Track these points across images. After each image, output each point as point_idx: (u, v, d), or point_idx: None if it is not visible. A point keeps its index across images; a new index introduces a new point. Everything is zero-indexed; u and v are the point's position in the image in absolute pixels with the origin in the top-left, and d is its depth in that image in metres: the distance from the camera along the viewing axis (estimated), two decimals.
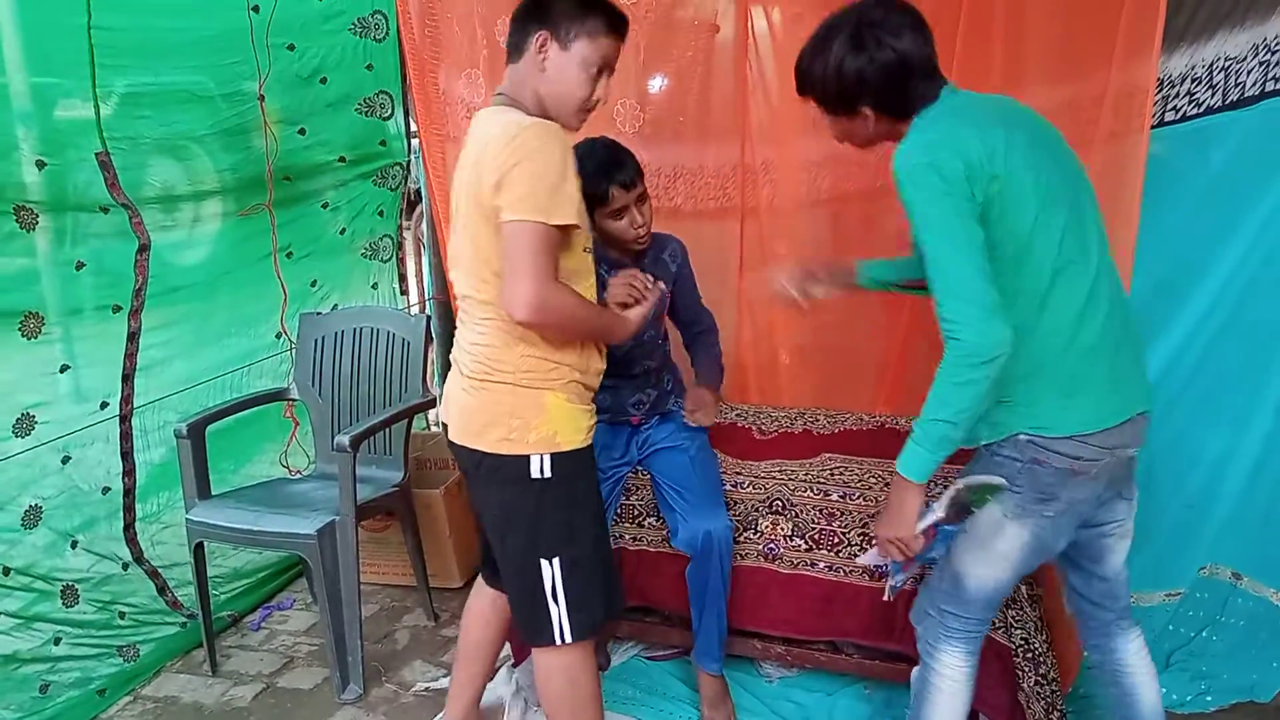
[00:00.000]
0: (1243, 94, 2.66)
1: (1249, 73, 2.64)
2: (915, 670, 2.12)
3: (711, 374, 2.91)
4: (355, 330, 3.39)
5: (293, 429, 3.80)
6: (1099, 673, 2.22)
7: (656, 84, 3.43)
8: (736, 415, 3.30)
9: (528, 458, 2.02)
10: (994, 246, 1.74)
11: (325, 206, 3.89)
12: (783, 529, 2.67)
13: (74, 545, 2.94)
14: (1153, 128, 2.57)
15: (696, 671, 2.72)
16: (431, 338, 3.39)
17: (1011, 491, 1.85)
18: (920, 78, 1.85)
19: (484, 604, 2.44)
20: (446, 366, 2.29)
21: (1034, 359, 1.79)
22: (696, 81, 3.37)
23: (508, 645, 2.85)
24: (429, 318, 3.47)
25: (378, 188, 4.06)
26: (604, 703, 2.74)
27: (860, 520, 2.61)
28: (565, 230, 1.94)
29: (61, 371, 2.89)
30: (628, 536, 2.76)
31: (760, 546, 2.67)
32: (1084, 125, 2.64)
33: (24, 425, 2.75)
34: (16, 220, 2.70)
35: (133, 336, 3.09)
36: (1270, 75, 2.62)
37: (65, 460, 2.91)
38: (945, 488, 1.92)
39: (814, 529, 2.64)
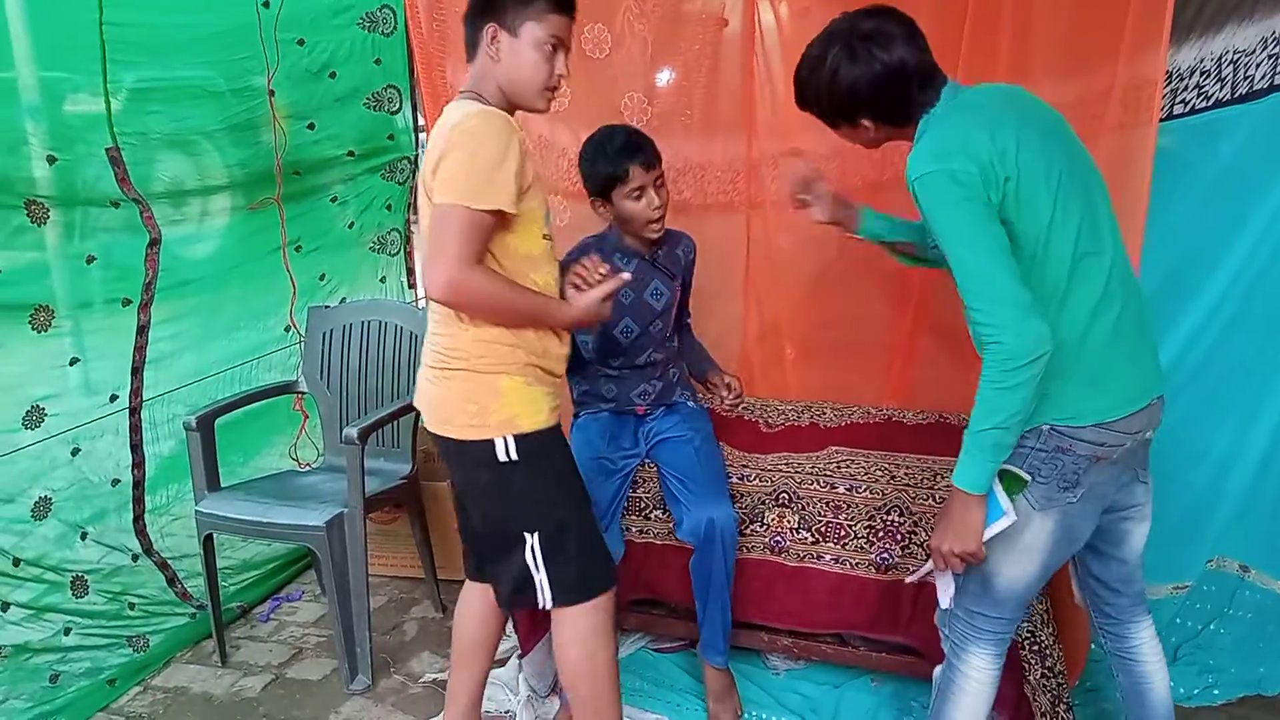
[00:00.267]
0: (1251, 87, 2.65)
1: (1258, 66, 2.63)
2: (938, 669, 2.11)
3: (706, 358, 2.99)
4: (364, 323, 3.40)
5: (301, 422, 3.81)
6: (1110, 661, 2.22)
7: (664, 78, 3.42)
8: (743, 408, 3.30)
9: (492, 441, 2.06)
10: (1013, 245, 1.74)
11: (334, 200, 3.90)
12: (789, 522, 2.67)
13: (84, 537, 2.96)
14: (1161, 121, 2.57)
15: (702, 665, 2.72)
16: None
17: (1036, 482, 1.85)
18: (917, 87, 1.86)
19: (475, 601, 2.43)
20: None
21: (1056, 351, 1.78)
22: (704, 75, 3.36)
23: (513, 640, 2.87)
24: None
25: (386, 182, 4.07)
26: None
27: (867, 513, 2.61)
28: (503, 217, 1.96)
29: (71, 364, 2.91)
30: (634, 529, 2.76)
31: (767, 539, 2.67)
32: (1092, 118, 2.63)
33: (34, 417, 2.77)
34: (27, 214, 2.71)
35: (142, 330, 3.11)
36: (1279, 69, 2.61)
37: (75, 452, 2.93)
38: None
39: (820, 522, 2.64)
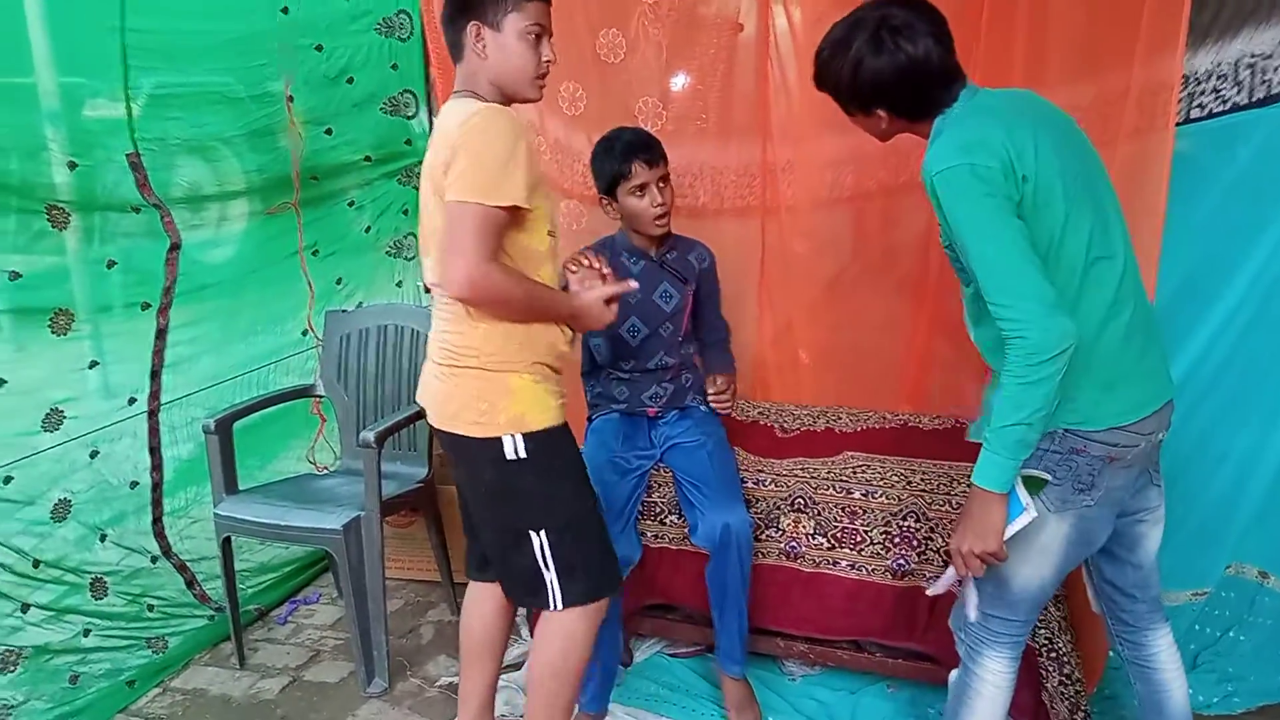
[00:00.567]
0: (1269, 91, 2.64)
1: (1275, 69, 2.62)
2: (954, 673, 2.11)
3: (724, 366, 2.96)
4: (380, 327, 3.42)
5: (319, 425, 3.83)
6: (1128, 670, 2.21)
7: (678, 82, 3.43)
8: (759, 413, 3.30)
9: (500, 440, 2.07)
10: None
11: (351, 205, 3.92)
12: (805, 527, 2.67)
13: (103, 539, 2.98)
14: (1178, 125, 2.56)
15: (720, 675, 2.72)
16: None
17: (1052, 484, 1.85)
18: (938, 85, 1.86)
19: (480, 602, 2.43)
20: None
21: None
22: (718, 80, 3.36)
23: (528, 643, 2.87)
24: None
25: (402, 186, 4.08)
26: (627, 698, 2.79)
27: (883, 518, 2.61)
28: (515, 212, 1.97)
29: (90, 368, 2.93)
30: (649, 534, 2.77)
31: (782, 545, 2.67)
32: (1108, 122, 2.63)
33: (53, 420, 2.79)
34: (48, 219, 2.73)
35: (161, 333, 3.13)
36: None
37: (94, 455, 2.95)
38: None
39: (836, 527, 2.64)
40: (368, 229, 3.99)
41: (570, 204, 3.52)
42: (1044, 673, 2.38)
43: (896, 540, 2.56)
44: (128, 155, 2.96)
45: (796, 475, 2.79)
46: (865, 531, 2.61)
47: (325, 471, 3.62)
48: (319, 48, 3.60)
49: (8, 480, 2.68)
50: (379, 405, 3.38)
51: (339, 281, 3.89)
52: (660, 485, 2.82)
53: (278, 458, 3.69)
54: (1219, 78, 2.72)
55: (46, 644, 2.77)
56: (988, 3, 2.80)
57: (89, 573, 2.92)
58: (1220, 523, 2.85)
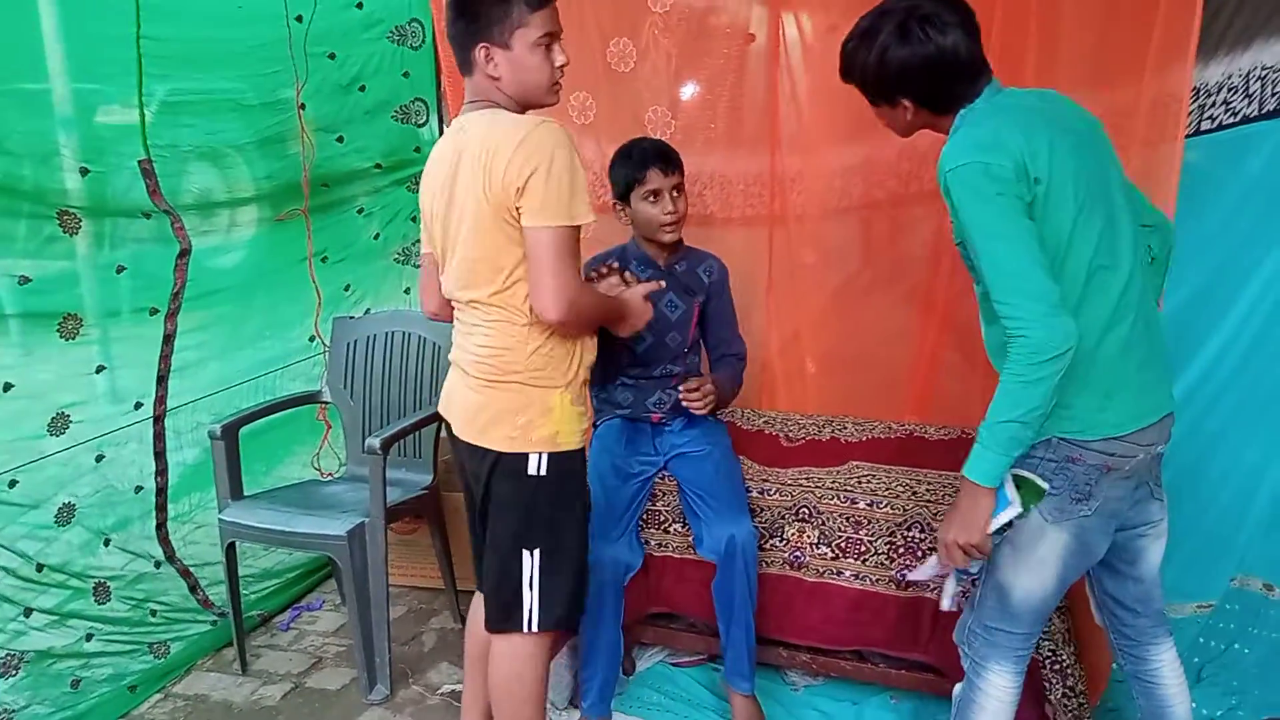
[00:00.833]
0: None
1: None
2: (958, 687, 2.09)
3: (725, 377, 2.93)
4: (387, 334, 3.42)
5: (324, 432, 3.83)
6: (1130, 683, 2.19)
7: (688, 91, 3.44)
8: (764, 422, 3.30)
9: (527, 455, 2.07)
10: None
11: (360, 212, 3.93)
12: (809, 537, 2.66)
13: (107, 543, 2.98)
14: (1188, 136, 2.56)
15: (728, 692, 2.70)
16: None
17: (1049, 494, 1.84)
18: (964, 77, 1.85)
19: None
20: None
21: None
22: (727, 89, 3.37)
23: None
24: None
25: (412, 194, 4.08)
26: (629, 707, 2.77)
27: (888, 529, 2.60)
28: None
29: (97, 372, 2.94)
30: (653, 542, 2.76)
31: (786, 554, 2.66)
32: (1118, 133, 2.59)
33: (60, 424, 2.79)
34: (59, 224, 2.74)
35: (168, 339, 3.14)
36: None
37: (99, 459, 2.95)
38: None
39: (841, 537, 2.63)
40: (376, 236, 4.00)
41: None
42: (1047, 685, 2.36)
43: (901, 551, 2.55)
44: (140, 161, 2.97)
45: (801, 484, 2.78)
46: (870, 542, 2.60)
47: (330, 478, 3.63)
48: (331, 56, 3.61)
49: (13, 484, 2.68)
50: (384, 412, 3.38)
51: (347, 288, 3.90)
52: (665, 494, 2.81)
53: (283, 464, 3.70)
54: (1229, 90, 2.72)
55: (49, 648, 2.77)
56: (999, 13, 2.80)
57: (92, 577, 2.92)
58: (1226, 535, 2.83)
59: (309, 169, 3.62)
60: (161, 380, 3.13)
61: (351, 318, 3.56)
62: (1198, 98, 2.71)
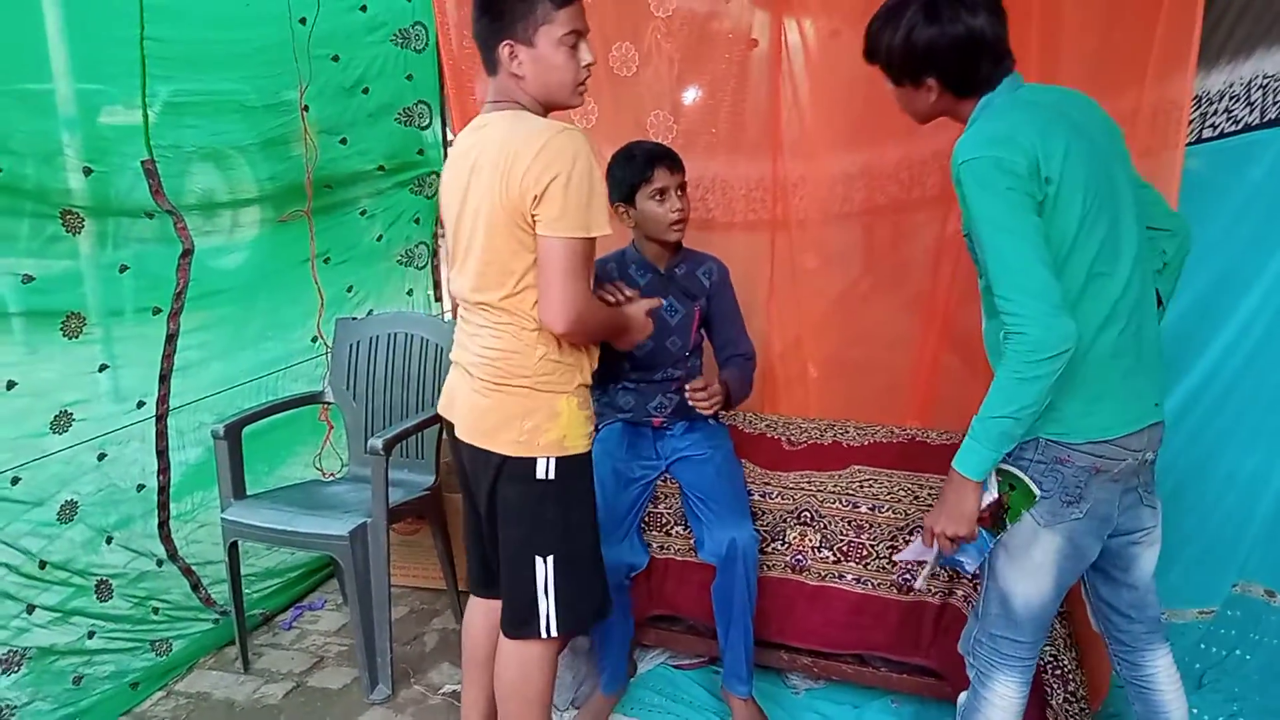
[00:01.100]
0: None
1: None
2: (963, 696, 2.10)
3: (733, 377, 2.89)
4: (390, 335, 3.43)
5: (327, 432, 3.83)
6: (1127, 689, 2.20)
7: (690, 96, 3.45)
8: (766, 426, 3.31)
9: (534, 459, 2.07)
10: None
11: (363, 214, 3.94)
12: (811, 540, 2.66)
13: (109, 541, 2.98)
14: (1190, 144, 2.57)
15: (727, 696, 2.71)
16: None
17: (1041, 497, 1.85)
18: (990, 58, 1.85)
19: (482, 615, 2.40)
20: None
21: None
22: (730, 94, 3.38)
23: None
24: None
25: (415, 195, 4.10)
26: (630, 709, 2.78)
27: (889, 533, 2.61)
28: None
29: (100, 371, 2.94)
30: (655, 545, 2.77)
31: (788, 558, 2.67)
32: None
33: (62, 423, 2.80)
34: (62, 224, 2.75)
35: (171, 338, 3.14)
36: None
37: (102, 458, 2.95)
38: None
39: (842, 541, 2.64)
40: (379, 238, 4.01)
41: None
42: (1048, 690, 2.37)
43: (914, 536, 2.56)
44: (143, 162, 2.97)
45: (803, 488, 2.79)
46: (871, 545, 2.61)
47: (332, 478, 3.63)
48: (335, 58, 3.62)
49: (15, 481, 2.68)
50: (387, 412, 3.39)
51: (350, 289, 3.91)
52: (666, 496, 2.82)
53: (285, 464, 3.70)
54: (1231, 98, 2.73)
55: (51, 645, 2.77)
56: None
57: (95, 575, 2.93)
58: (1227, 541, 2.84)
59: (312, 171, 3.62)
60: (164, 379, 3.14)
61: (354, 319, 3.57)
62: (1199, 105, 2.72)
